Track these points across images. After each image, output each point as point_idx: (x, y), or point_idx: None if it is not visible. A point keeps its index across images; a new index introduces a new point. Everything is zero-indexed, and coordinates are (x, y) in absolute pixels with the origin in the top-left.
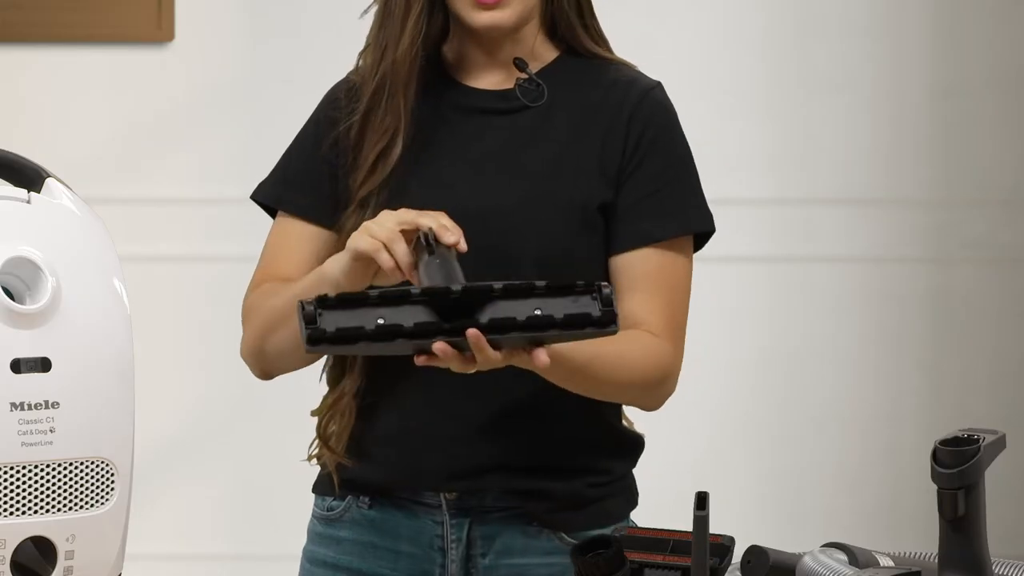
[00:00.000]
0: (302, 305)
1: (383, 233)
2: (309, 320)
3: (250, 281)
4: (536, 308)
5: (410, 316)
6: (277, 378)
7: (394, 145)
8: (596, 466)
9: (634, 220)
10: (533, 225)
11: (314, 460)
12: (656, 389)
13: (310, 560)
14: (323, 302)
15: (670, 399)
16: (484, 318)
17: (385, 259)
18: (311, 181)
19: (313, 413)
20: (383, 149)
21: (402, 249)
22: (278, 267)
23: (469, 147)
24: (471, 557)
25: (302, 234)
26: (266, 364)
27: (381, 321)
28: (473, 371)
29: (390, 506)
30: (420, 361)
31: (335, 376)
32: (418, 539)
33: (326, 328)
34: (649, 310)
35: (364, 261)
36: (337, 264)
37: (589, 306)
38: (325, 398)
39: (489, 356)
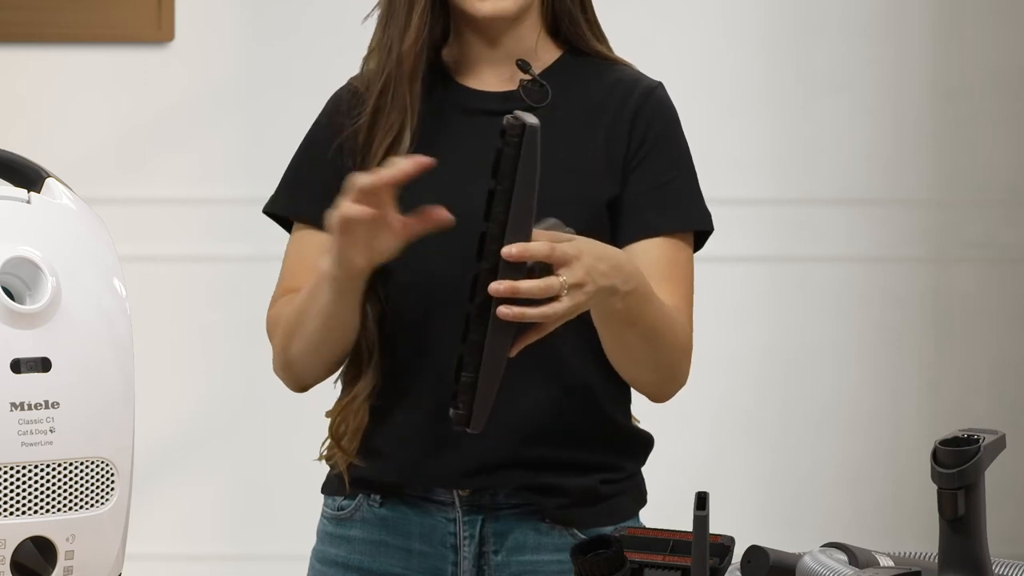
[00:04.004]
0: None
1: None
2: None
3: (272, 298)
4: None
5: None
6: (275, 378)
7: (401, 140)
8: (608, 463)
9: (639, 212)
10: (541, 225)
11: (324, 460)
12: (678, 365)
13: (320, 560)
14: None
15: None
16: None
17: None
18: (323, 188)
19: (328, 414)
20: (391, 144)
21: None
22: (298, 280)
23: (475, 149)
24: (483, 554)
25: (319, 244)
26: (295, 374)
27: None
28: (562, 310)
29: (401, 504)
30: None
31: (350, 378)
32: (430, 537)
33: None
34: (664, 294)
35: (345, 231)
36: (326, 257)
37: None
38: (340, 399)
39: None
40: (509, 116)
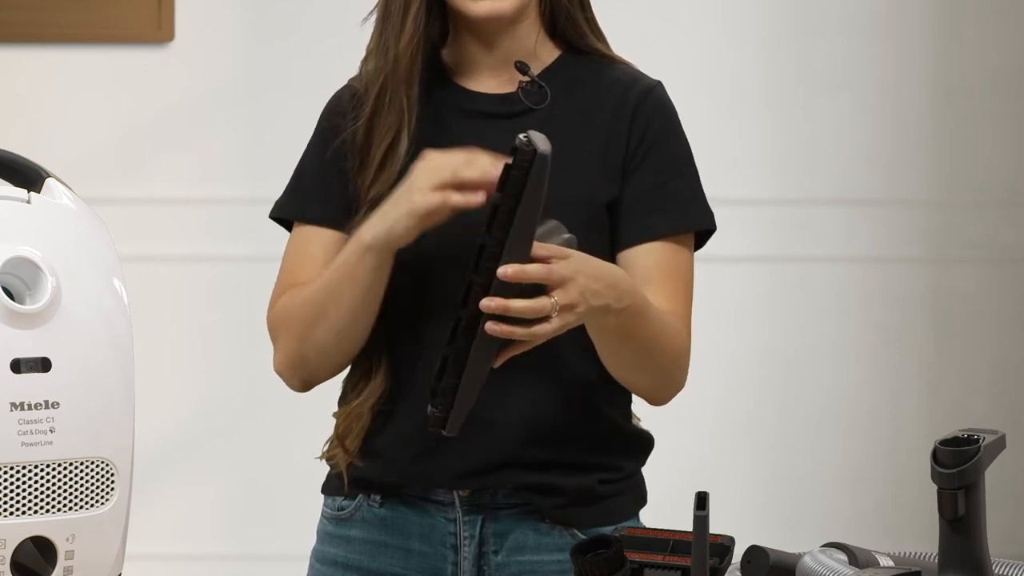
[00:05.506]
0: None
1: (442, 176)
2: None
3: (271, 296)
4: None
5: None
6: (275, 377)
7: (399, 142)
8: (607, 463)
9: (639, 215)
10: (541, 227)
11: (324, 460)
12: (674, 372)
13: (320, 560)
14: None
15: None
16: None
17: (458, 199)
18: (326, 190)
19: (335, 415)
20: (389, 146)
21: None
22: (299, 277)
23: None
24: (483, 554)
25: (323, 241)
26: (306, 370)
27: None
28: (550, 330)
29: (401, 504)
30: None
31: (355, 381)
32: (430, 537)
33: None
34: (662, 298)
35: (430, 216)
36: (393, 228)
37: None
38: (348, 401)
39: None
40: (522, 136)
